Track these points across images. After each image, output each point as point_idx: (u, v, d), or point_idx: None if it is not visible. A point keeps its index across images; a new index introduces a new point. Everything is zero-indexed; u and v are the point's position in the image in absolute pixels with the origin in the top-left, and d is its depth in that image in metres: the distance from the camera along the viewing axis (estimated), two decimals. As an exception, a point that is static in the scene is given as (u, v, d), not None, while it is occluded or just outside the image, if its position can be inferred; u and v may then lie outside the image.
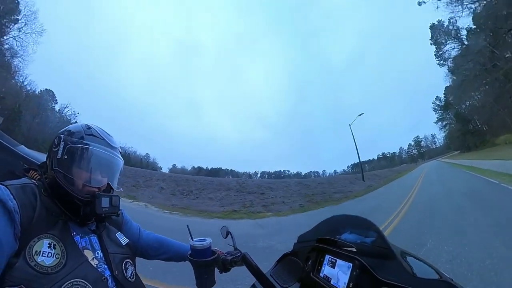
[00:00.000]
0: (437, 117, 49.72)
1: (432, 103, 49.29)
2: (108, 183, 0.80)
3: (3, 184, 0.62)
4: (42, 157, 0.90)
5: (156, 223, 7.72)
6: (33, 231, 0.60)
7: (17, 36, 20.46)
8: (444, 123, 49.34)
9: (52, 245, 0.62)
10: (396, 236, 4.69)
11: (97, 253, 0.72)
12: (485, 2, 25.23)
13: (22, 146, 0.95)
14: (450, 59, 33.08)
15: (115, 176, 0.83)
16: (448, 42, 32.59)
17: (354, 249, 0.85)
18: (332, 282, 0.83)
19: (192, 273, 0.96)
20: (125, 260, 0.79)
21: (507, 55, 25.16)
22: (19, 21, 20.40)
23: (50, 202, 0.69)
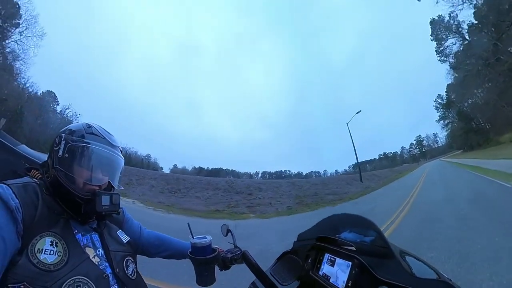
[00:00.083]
0: (439, 116, 48.64)
1: (434, 101, 48.20)
2: (109, 182, 0.81)
3: (5, 183, 0.63)
4: (43, 156, 0.91)
5: (137, 218, 7.90)
6: (35, 229, 0.61)
7: (18, 39, 21.22)
8: (446, 122, 48.31)
9: (54, 243, 0.63)
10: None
11: (99, 251, 0.73)
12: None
13: (24, 145, 0.97)
14: (451, 55, 32.33)
15: (116, 175, 0.84)
16: (449, 37, 31.76)
17: (353, 248, 0.85)
18: (331, 281, 0.83)
19: (193, 272, 0.97)
20: (126, 258, 0.80)
21: (511, 49, 24.22)
22: (20, 25, 21.17)
23: (52, 201, 0.70)
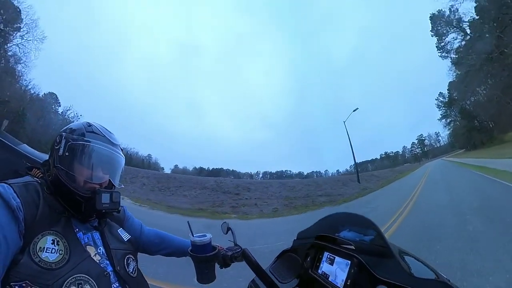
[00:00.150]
0: (441, 114, 47.61)
1: (436, 99, 47.32)
2: (109, 180, 0.81)
3: (6, 183, 0.64)
4: (44, 156, 0.92)
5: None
6: (36, 228, 0.62)
7: (19, 43, 21.90)
8: (448, 120, 47.32)
9: (55, 241, 0.63)
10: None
11: (99, 249, 0.74)
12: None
13: (25, 145, 0.97)
14: (452, 51, 31.44)
15: (116, 173, 0.84)
16: (449, 32, 30.88)
17: (352, 247, 0.85)
18: (330, 279, 0.84)
19: (193, 272, 0.97)
20: (127, 256, 0.80)
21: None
22: (21, 29, 21.84)
23: (53, 200, 0.70)
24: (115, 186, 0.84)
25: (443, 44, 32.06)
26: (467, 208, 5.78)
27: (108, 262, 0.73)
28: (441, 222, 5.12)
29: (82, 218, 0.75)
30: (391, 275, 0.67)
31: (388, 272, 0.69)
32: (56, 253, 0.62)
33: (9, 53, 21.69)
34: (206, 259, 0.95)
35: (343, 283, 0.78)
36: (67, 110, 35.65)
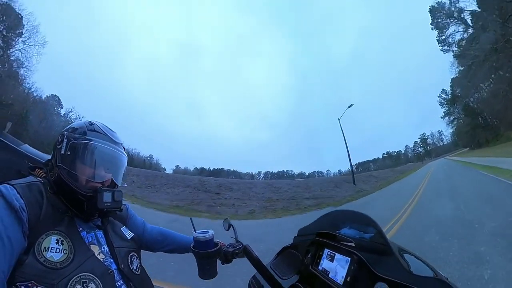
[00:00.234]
0: (443, 112, 45.99)
1: (438, 96, 45.78)
2: (112, 179, 0.81)
3: (9, 184, 0.64)
4: (46, 156, 0.92)
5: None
6: (40, 228, 0.62)
7: (21, 48, 22.73)
8: (451, 118, 45.68)
9: (59, 241, 0.64)
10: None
11: (103, 248, 0.74)
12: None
13: (26, 145, 0.97)
14: (454, 44, 29.94)
15: (118, 172, 0.84)
16: (450, 24, 29.37)
17: (353, 244, 0.86)
18: (330, 276, 0.84)
19: (193, 272, 0.98)
20: (131, 254, 0.81)
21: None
22: (23, 35, 22.66)
23: (56, 199, 0.70)
24: (117, 185, 0.84)
25: (444, 37, 30.76)
26: (481, 230, 3.88)
27: (112, 260, 0.73)
28: (442, 249, 3.42)
29: (84, 218, 0.75)
30: (390, 273, 0.68)
31: (388, 270, 0.69)
32: (61, 252, 0.62)
33: (12, 58, 22.47)
34: (208, 255, 0.96)
35: (343, 280, 0.79)
36: (69, 112, 36.23)
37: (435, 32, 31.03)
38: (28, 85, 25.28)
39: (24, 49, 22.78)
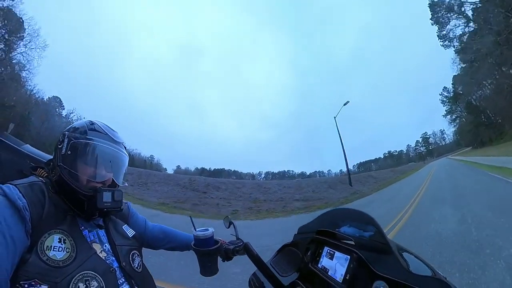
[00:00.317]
0: (445, 110, 44.94)
1: (440, 94, 44.76)
2: (112, 179, 0.81)
3: (12, 184, 0.64)
4: (48, 155, 0.93)
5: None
6: (43, 227, 0.63)
7: (23, 52, 23.43)
8: (453, 117, 44.68)
9: (62, 239, 0.64)
10: None
11: (105, 246, 0.75)
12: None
13: (28, 145, 0.98)
14: (455, 38, 28.64)
15: (119, 171, 0.84)
16: (451, 19, 28.05)
17: (352, 242, 0.86)
18: (329, 273, 0.85)
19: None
20: (132, 252, 0.82)
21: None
22: (24, 38, 23.38)
23: (58, 199, 0.71)
24: (118, 185, 0.84)
25: (444, 32, 29.53)
26: (494, 258, 2.80)
27: (113, 258, 0.74)
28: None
29: (85, 217, 0.75)
30: (389, 271, 0.68)
31: (387, 268, 0.70)
32: (63, 251, 0.63)
33: (13, 61, 23.06)
34: (209, 253, 0.97)
35: (342, 278, 0.79)
36: (71, 113, 36.84)
37: (436, 31, 30.01)
38: (30, 87, 26.02)
39: (26, 52, 23.52)
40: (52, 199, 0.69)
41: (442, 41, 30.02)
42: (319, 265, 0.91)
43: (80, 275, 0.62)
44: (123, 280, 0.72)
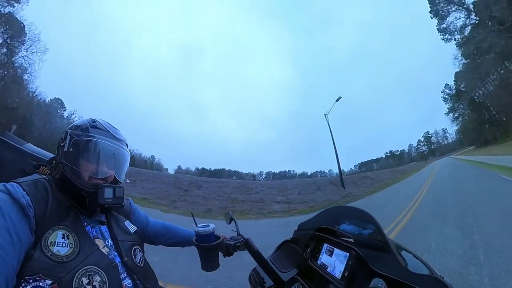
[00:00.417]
0: (448, 108, 43.34)
1: (442, 92, 43.27)
2: (114, 175, 0.82)
3: (15, 182, 0.66)
4: (49, 154, 0.94)
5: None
6: (47, 223, 0.64)
7: (24, 55, 24.20)
8: (456, 115, 42.95)
9: (65, 235, 0.66)
10: None
11: (107, 241, 0.76)
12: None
13: (29, 144, 0.98)
14: (456, 31, 27.02)
15: (121, 168, 0.85)
16: (451, 11, 26.51)
17: (351, 240, 0.87)
18: (328, 270, 0.86)
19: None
20: (134, 247, 0.83)
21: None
22: (26, 43, 24.14)
23: (61, 196, 0.72)
24: (120, 182, 0.85)
25: (444, 25, 27.96)
26: None
27: (116, 253, 0.75)
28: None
29: (88, 213, 0.77)
30: (387, 269, 0.69)
31: (385, 266, 0.70)
32: (67, 246, 0.64)
33: (16, 65, 23.83)
34: (210, 248, 0.98)
35: (341, 274, 0.80)
36: (72, 114, 37.39)
37: (436, 24, 28.43)
38: (32, 89, 26.87)
39: (27, 56, 24.38)
40: (55, 196, 0.70)
41: (442, 35, 28.73)
42: (318, 261, 0.92)
43: (84, 270, 0.63)
44: (125, 274, 0.74)
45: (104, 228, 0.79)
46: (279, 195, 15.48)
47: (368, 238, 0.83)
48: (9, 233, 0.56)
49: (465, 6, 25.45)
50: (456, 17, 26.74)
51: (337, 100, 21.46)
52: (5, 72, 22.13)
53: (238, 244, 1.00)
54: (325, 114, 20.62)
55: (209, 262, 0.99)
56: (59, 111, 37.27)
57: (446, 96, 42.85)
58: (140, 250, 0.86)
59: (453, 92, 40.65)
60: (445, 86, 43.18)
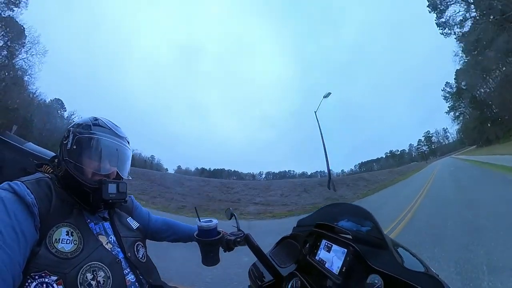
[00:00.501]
0: (448, 107, 42.05)
1: (442, 90, 41.98)
2: (117, 172, 0.84)
3: (19, 181, 0.67)
4: (50, 152, 0.95)
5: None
6: (51, 221, 0.65)
7: (25, 58, 24.73)
8: (457, 113, 41.69)
9: (69, 232, 0.67)
10: None
11: (111, 238, 0.78)
12: None
13: (30, 143, 0.99)
14: (456, 25, 25.83)
15: (123, 165, 0.87)
16: (450, 4, 25.30)
17: (350, 236, 0.88)
18: (326, 265, 0.87)
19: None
20: (137, 243, 0.85)
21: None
22: (26, 45, 24.64)
23: (64, 193, 0.73)
24: (123, 178, 0.86)
25: (443, 19, 26.67)
26: None
27: (119, 249, 0.77)
28: None
29: (91, 210, 0.78)
30: (384, 266, 0.70)
31: (382, 263, 0.72)
32: (71, 243, 0.66)
33: (16, 66, 24.37)
34: (211, 243, 1.00)
35: (338, 270, 0.81)
36: (72, 114, 37.55)
37: (434, 18, 27.07)
38: (32, 90, 27.28)
39: (27, 58, 24.90)
40: (58, 194, 0.71)
41: (441, 29, 27.49)
42: (316, 257, 0.93)
43: (88, 265, 0.65)
44: (129, 270, 0.76)
45: (107, 224, 0.80)
46: (260, 196, 15.22)
47: (366, 235, 0.84)
48: (14, 231, 0.57)
49: (464, -1, 24.53)
50: (455, 11, 25.71)
51: (325, 96, 20.97)
52: (6, 74, 22.59)
53: (239, 239, 1.02)
54: (315, 112, 20.13)
55: (209, 257, 1.01)
56: (59, 111, 37.56)
57: (447, 95, 41.99)
58: (142, 246, 0.88)
59: (454, 90, 39.85)
60: (445, 84, 42.19)
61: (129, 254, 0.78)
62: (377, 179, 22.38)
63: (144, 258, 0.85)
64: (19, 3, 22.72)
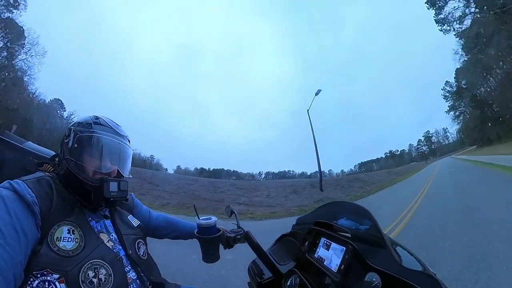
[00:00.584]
0: (448, 106, 41.46)
1: (442, 89, 41.36)
2: (118, 171, 0.84)
3: (20, 180, 0.67)
4: (50, 151, 0.95)
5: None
6: (52, 219, 0.66)
7: (24, 59, 24.93)
8: (457, 113, 41.05)
9: (71, 230, 0.67)
10: None
11: (112, 235, 0.79)
12: None
13: (29, 142, 0.99)
14: (455, 21, 25.00)
15: (124, 163, 0.87)
16: (448, 0, 24.27)
17: (348, 235, 0.89)
18: (325, 263, 0.88)
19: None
20: (137, 240, 0.86)
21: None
22: (25, 46, 24.82)
23: (65, 192, 0.74)
24: (124, 176, 0.87)
25: (442, 16, 25.83)
26: None
27: (120, 247, 0.78)
28: None
29: (92, 208, 0.78)
30: (382, 264, 0.71)
31: (380, 261, 0.72)
32: (73, 241, 0.66)
33: (16, 67, 24.57)
34: (211, 240, 1.00)
35: (337, 268, 0.82)
36: (71, 115, 37.64)
37: (433, 15, 26.13)
38: (32, 90, 27.63)
39: (27, 59, 25.18)
40: (59, 192, 0.71)
41: (440, 26, 26.62)
42: (315, 255, 0.94)
43: (89, 263, 0.65)
44: (130, 267, 0.76)
45: (108, 222, 0.81)
46: (245, 196, 15.10)
47: (365, 234, 0.85)
48: (15, 230, 0.57)
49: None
50: (454, 7, 24.82)
51: (316, 94, 19.83)
52: (6, 75, 22.76)
53: (239, 236, 1.02)
54: (307, 110, 19.14)
55: (210, 254, 1.02)
56: (58, 111, 37.78)
57: (447, 94, 41.45)
58: (143, 244, 0.88)
59: (454, 90, 39.32)
60: (445, 83, 41.69)
61: (130, 252, 0.78)
62: (373, 180, 21.35)
63: (145, 256, 0.85)
64: (18, 5, 22.92)
